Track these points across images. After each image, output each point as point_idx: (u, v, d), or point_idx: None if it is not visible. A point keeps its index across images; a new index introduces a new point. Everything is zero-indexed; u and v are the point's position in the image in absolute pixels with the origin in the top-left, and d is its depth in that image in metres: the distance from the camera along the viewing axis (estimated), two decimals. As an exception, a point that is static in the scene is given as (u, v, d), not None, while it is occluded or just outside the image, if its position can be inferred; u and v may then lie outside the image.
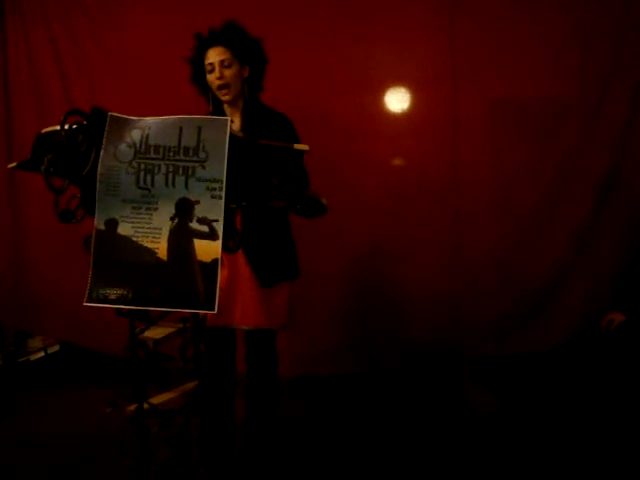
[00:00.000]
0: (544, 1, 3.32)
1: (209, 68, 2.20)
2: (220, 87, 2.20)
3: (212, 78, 2.20)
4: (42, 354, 3.74)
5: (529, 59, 3.32)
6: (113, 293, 1.53)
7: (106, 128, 1.51)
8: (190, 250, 1.50)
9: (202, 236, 1.50)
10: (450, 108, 3.41)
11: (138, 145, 1.51)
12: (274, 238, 2.22)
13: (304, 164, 2.21)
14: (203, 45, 2.23)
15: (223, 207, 1.48)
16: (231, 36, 2.22)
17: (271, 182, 1.63)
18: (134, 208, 1.52)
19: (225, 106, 2.28)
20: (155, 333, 1.91)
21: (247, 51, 2.24)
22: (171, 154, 1.51)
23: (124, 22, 3.62)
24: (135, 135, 1.51)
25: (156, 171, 1.51)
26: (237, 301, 2.14)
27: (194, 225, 1.50)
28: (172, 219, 1.51)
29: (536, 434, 2.72)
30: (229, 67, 2.19)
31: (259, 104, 2.31)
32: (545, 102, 3.36)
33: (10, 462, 2.66)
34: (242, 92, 2.25)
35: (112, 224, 1.53)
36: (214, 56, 2.19)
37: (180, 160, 1.50)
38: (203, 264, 1.50)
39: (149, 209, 1.52)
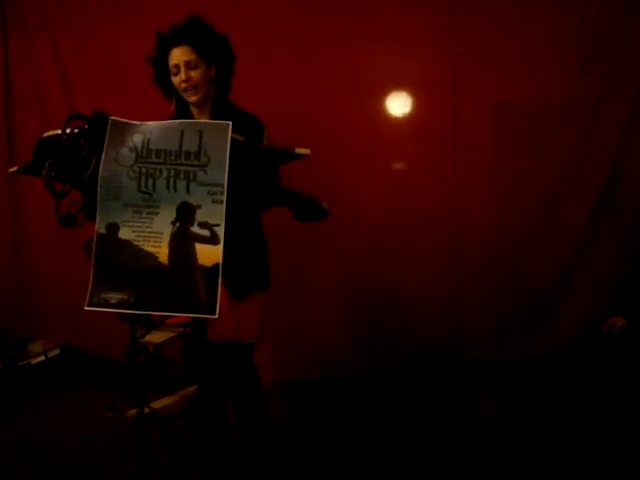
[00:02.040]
0: (545, 2, 3.32)
1: (174, 70, 2.09)
2: (186, 89, 2.09)
3: (177, 80, 2.09)
4: (42, 358, 3.73)
5: (530, 60, 3.31)
6: (114, 297, 1.52)
7: (107, 132, 1.51)
8: (191, 254, 1.50)
9: (203, 240, 1.50)
10: (451, 109, 3.41)
11: (139, 149, 1.51)
12: (247, 247, 2.09)
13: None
14: (166, 44, 2.11)
15: (224, 211, 1.48)
16: (196, 34, 2.10)
17: (272, 186, 1.63)
18: (135, 212, 1.52)
19: (192, 108, 2.17)
20: (156, 337, 1.90)
21: (213, 50, 2.12)
22: (172, 158, 1.50)
23: (124, 22, 3.60)
24: (136, 139, 1.51)
25: (157, 175, 1.51)
26: None
27: (195, 229, 1.50)
28: (173, 223, 1.51)
29: (537, 438, 2.71)
30: (195, 68, 2.08)
31: (228, 105, 2.21)
32: (546, 103, 3.36)
33: (10, 466, 2.65)
34: (209, 93, 2.14)
35: (113, 228, 1.52)
36: (178, 57, 2.08)
37: (181, 164, 1.50)
38: (204, 268, 1.49)
39: (150, 213, 1.51)
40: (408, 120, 3.47)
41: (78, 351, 3.79)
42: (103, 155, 1.50)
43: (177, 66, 2.08)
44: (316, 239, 3.11)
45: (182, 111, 2.17)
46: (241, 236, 1.97)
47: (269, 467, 2.33)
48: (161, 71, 2.15)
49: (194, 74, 2.08)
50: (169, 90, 2.16)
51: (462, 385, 3.36)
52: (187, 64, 2.07)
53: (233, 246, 1.84)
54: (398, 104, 3.46)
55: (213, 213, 1.49)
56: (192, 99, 2.12)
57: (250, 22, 3.27)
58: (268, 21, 3.38)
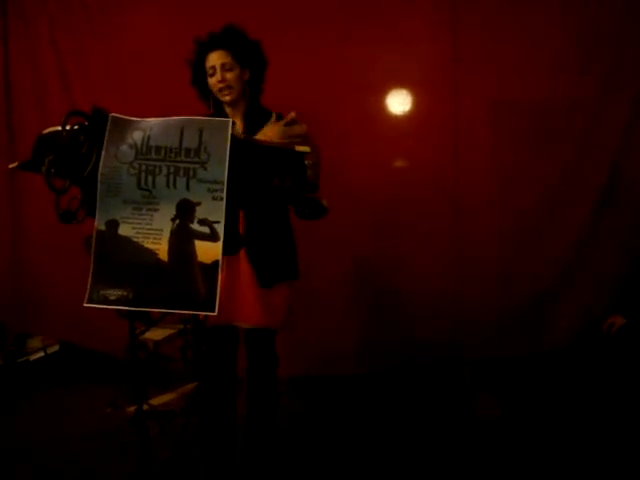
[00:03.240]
0: (545, 2, 3.32)
1: (210, 72, 2.22)
2: (221, 89, 2.22)
3: (213, 81, 2.22)
4: (42, 354, 3.73)
5: (530, 60, 3.32)
6: (113, 294, 1.52)
7: (107, 129, 1.51)
8: (191, 251, 1.50)
9: (203, 237, 1.50)
10: (451, 108, 3.41)
11: (139, 146, 1.51)
12: (276, 238, 2.23)
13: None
14: (203, 49, 2.25)
15: (224, 208, 1.48)
16: (231, 39, 2.23)
17: (272, 183, 1.63)
18: (135, 209, 1.52)
19: (226, 108, 2.29)
20: (155, 334, 1.90)
21: (247, 54, 2.25)
22: (172, 155, 1.51)
23: (125, 21, 3.61)
24: (136, 136, 1.51)
25: (157, 172, 1.51)
26: (237, 299, 2.14)
27: (195, 226, 1.50)
28: (173, 220, 1.51)
29: (536, 437, 2.72)
30: (230, 70, 2.20)
31: (260, 107, 2.33)
32: (546, 102, 3.36)
33: (9, 462, 2.65)
34: (243, 95, 2.27)
35: (113, 225, 1.53)
36: (215, 60, 2.21)
37: (181, 161, 1.50)
38: (204, 265, 1.50)
39: (150, 210, 1.52)
40: (408, 119, 3.47)
41: (77, 347, 3.79)
42: (103, 152, 1.50)
43: (213, 68, 2.21)
44: (316, 236, 3.10)
45: (217, 111, 2.29)
46: (272, 227, 2.18)
47: (273, 460, 2.37)
48: (198, 74, 2.27)
49: (229, 76, 2.21)
50: (205, 92, 2.29)
51: (462, 383, 3.37)
52: (223, 66, 2.20)
53: (265, 237, 1.86)
54: (398, 103, 3.47)
55: (213, 210, 1.49)
56: (226, 98, 2.23)
57: (250, 22, 3.27)
58: (268, 21, 3.38)
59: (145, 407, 1.72)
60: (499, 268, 3.48)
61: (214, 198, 1.49)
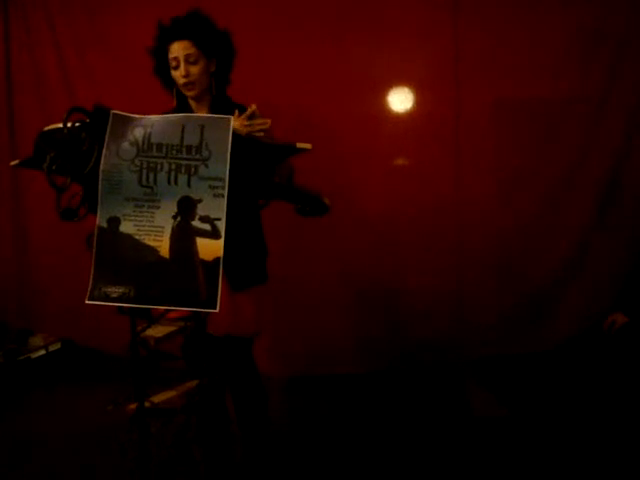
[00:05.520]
0: (546, 1, 3.32)
1: (174, 64, 2.08)
2: (185, 84, 2.09)
3: (177, 75, 2.09)
4: (43, 352, 3.73)
5: (532, 59, 3.32)
6: (115, 291, 1.53)
7: (109, 126, 1.51)
8: (192, 248, 1.50)
9: (204, 234, 1.50)
10: (453, 109, 3.41)
11: (141, 143, 1.51)
12: (247, 240, 2.11)
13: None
14: (167, 36, 2.10)
15: (225, 206, 1.48)
16: (196, 28, 2.08)
17: (273, 181, 1.63)
18: (136, 206, 1.52)
19: (190, 102, 2.17)
20: (156, 331, 1.90)
21: (214, 44, 2.10)
22: (174, 152, 1.51)
23: (126, 18, 3.60)
24: (138, 133, 1.51)
25: (158, 169, 1.51)
26: None
27: (196, 223, 1.50)
28: (174, 217, 1.51)
29: (537, 435, 2.72)
30: (195, 63, 2.07)
31: (227, 99, 2.20)
32: (548, 102, 3.36)
33: (10, 461, 2.66)
34: (209, 87, 2.13)
35: (114, 222, 1.53)
36: (178, 50, 2.06)
37: (182, 158, 1.50)
38: (205, 263, 1.50)
39: (151, 207, 1.52)
40: (410, 118, 3.47)
41: (79, 345, 3.80)
42: (104, 149, 1.50)
43: (177, 59, 2.07)
44: (317, 234, 3.12)
45: (182, 104, 2.18)
46: (242, 229, 1.96)
47: (271, 461, 2.34)
48: (161, 63, 2.15)
49: (193, 69, 2.07)
50: (169, 82, 2.16)
51: (462, 382, 3.37)
52: (187, 58, 2.06)
53: (234, 239, 1.86)
54: (400, 101, 3.46)
55: (214, 207, 1.49)
56: (190, 94, 2.12)
57: (251, 19, 3.28)
58: (269, 20, 3.39)
59: (146, 404, 1.72)
60: (499, 268, 3.48)
61: (215, 195, 1.49)
